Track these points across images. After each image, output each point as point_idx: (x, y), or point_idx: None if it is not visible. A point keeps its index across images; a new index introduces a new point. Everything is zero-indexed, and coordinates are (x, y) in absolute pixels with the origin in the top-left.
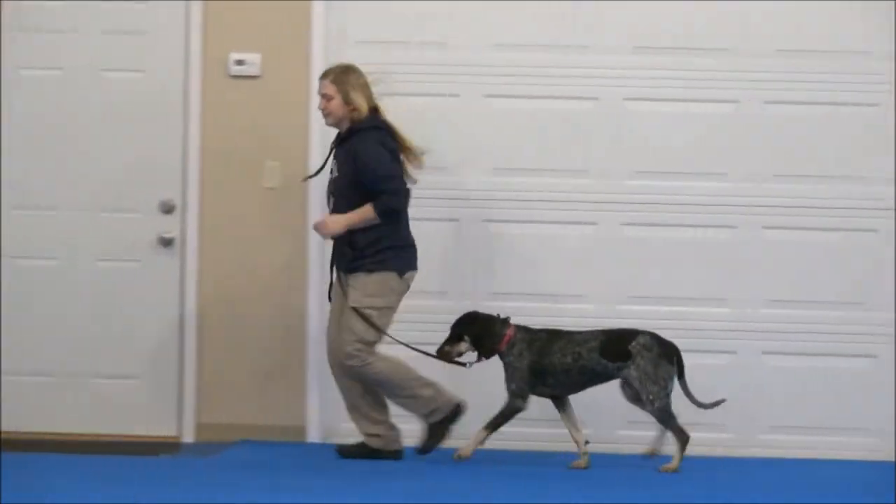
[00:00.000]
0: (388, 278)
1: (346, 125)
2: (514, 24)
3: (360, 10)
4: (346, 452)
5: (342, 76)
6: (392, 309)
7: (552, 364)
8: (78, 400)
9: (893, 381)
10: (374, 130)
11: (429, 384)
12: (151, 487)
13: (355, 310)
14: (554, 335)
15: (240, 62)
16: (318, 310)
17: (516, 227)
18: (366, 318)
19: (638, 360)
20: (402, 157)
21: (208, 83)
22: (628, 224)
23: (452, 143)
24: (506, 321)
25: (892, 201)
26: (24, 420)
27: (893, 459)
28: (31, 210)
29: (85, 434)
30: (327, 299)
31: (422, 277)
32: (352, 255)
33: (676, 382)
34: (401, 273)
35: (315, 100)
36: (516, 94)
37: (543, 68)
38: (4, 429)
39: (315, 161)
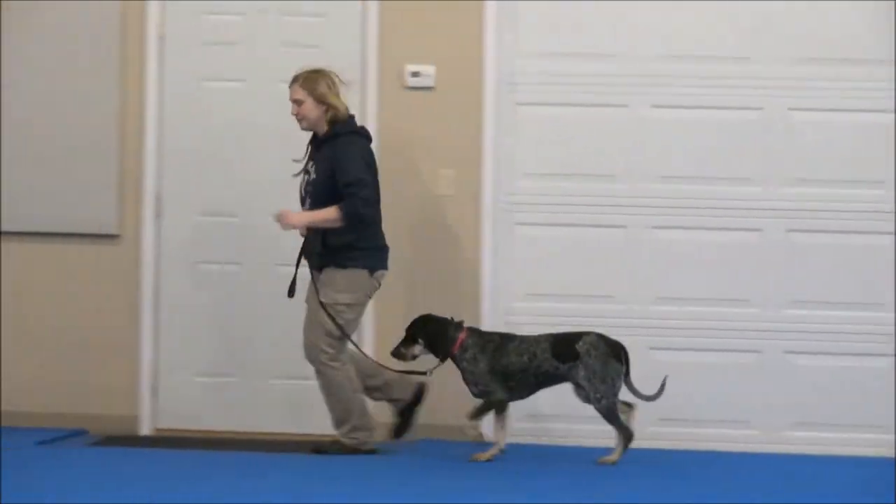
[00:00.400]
0: (358, 275)
1: (323, 128)
2: (681, 37)
3: (531, 24)
4: (322, 450)
5: (310, 79)
6: (361, 305)
7: (511, 364)
8: (255, 400)
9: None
10: (356, 136)
11: (362, 413)
12: (319, 481)
13: (324, 305)
14: (506, 338)
15: (415, 74)
16: (491, 312)
17: (682, 234)
18: (332, 318)
19: (586, 360)
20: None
21: (384, 94)
22: (793, 231)
23: (620, 152)
24: (459, 325)
25: None
26: (189, 419)
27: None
28: (215, 217)
29: (264, 433)
30: (288, 296)
31: (588, 282)
32: (322, 252)
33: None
34: (371, 271)
35: (491, 109)
36: (682, 105)
37: (706, 79)
38: (206, 427)
39: (488, 169)
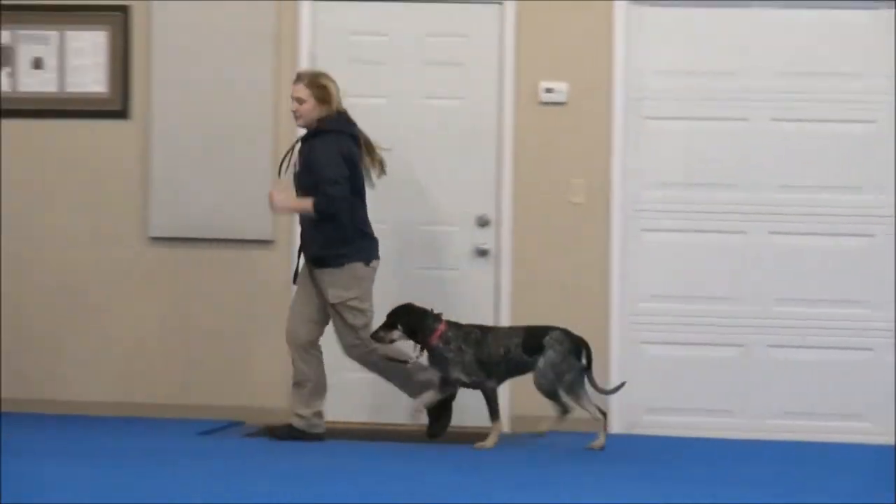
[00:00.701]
0: (355, 268)
1: (314, 126)
2: (798, 54)
3: (658, 43)
4: (273, 433)
5: (315, 82)
6: (369, 293)
7: (492, 355)
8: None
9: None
10: (337, 134)
11: (424, 368)
12: (474, 469)
13: (336, 306)
14: (484, 330)
15: (549, 90)
16: (618, 311)
17: (797, 240)
18: (346, 312)
19: (548, 352)
20: (366, 160)
21: (520, 109)
22: None
23: (740, 162)
24: (438, 316)
25: None
26: (348, 412)
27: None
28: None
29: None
30: (292, 283)
31: (710, 284)
32: (320, 241)
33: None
34: (366, 262)
35: (619, 122)
36: (800, 118)
37: (822, 94)
38: (356, 420)
39: (617, 179)
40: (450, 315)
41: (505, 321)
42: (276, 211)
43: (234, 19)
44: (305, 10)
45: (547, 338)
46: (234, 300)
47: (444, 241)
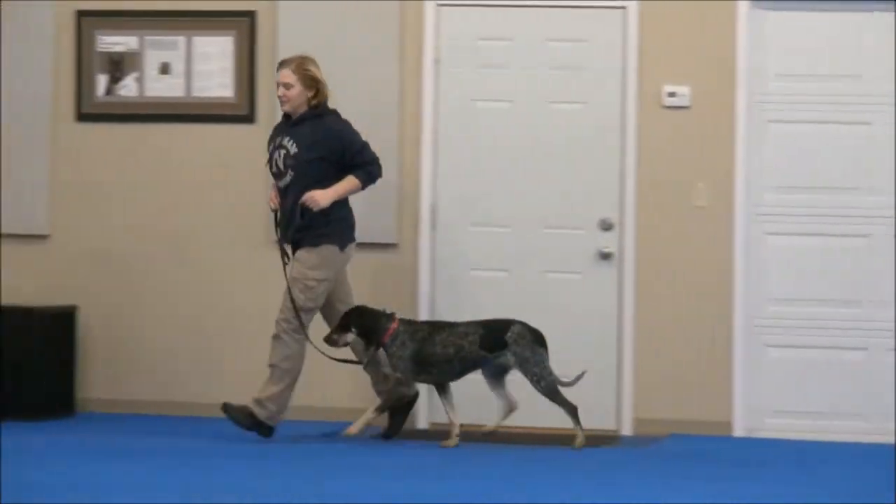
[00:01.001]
0: (329, 251)
1: (302, 110)
2: None
3: (780, 48)
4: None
5: (301, 66)
6: (329, 281)
7: (434, 354)
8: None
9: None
10: (338, 115)
11: (287, 391)
12: (598, 473)
13: (293, 280)
14: (436, 328)
15: (672, 94)
16: (742, 314)
17: None
18: (298, 287)
19: (515, 348)
20: None
21: (643, 113)
22: None
23: (862, 166)
24: (391, 316)
25: None
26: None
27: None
28: (485, 227)
29: (541, 427)
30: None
31: (833, 287)
32: (299, 225)
33: None
34: (342, 247)
35: (742, 126)
36: None
37: None
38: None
39: (740, 182)
40: (571, 319)
41: (629, 325)
42: (320, 207)
43: (359, 24)
44: (430, 14)
45: (509, 333)
46: (362, 301)
47: (567, 245)
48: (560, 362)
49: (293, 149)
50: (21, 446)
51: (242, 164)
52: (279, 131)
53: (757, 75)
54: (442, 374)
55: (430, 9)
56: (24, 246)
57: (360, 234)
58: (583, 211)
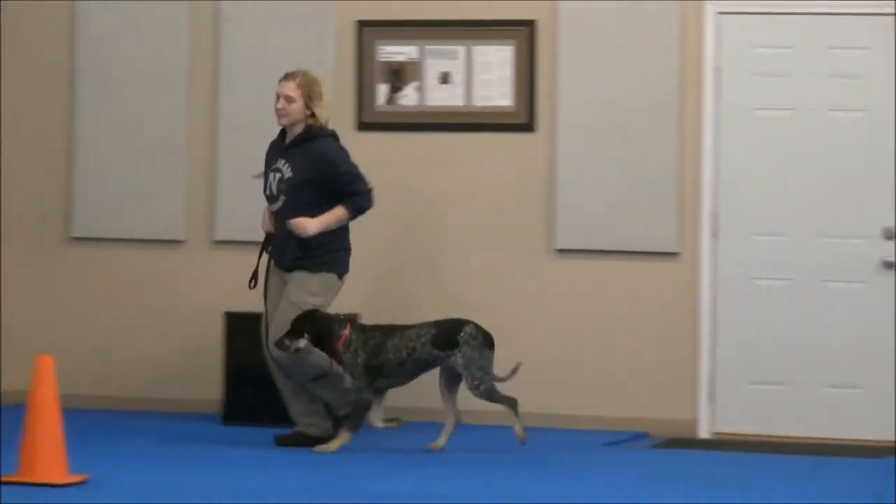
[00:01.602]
0: (329, 279)
1: (299, 128)
2: None
3: None
4: (284, 442)
5: (307, 83)
6: (324, 308)
7: (388, 360)
8: (805, 406)
9: None
10: (333, 138)
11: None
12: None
13: (293, 304)
14: (388, 333)
15: None
16: None
17: None
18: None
19: (464, 349)
20: None
21: None
22: None
23: None
24: (343, 321)
25: None
26: (743, 424)
27: None
28: (767, 235)
29: (813, 438)
30: (249, 287)
31: None
32: (299, 255)
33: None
34: (339, 275)
35: None
36: None
37: None
38: (761, 432)
39: None
40: (851, 330)
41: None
42: (308, 236)
43: (638, 32)
44: (710, 21)
45: (462, 334)
46: (637, 313)
47: (848, 253)
48: (839, 373)
49: (287, 172)
50: None
51: (522, 172)
52: (276, 151)
53: None
54: (397, 379)
55: (710, 16)
56: None
57: (639, 243)
58: (863, 218)
